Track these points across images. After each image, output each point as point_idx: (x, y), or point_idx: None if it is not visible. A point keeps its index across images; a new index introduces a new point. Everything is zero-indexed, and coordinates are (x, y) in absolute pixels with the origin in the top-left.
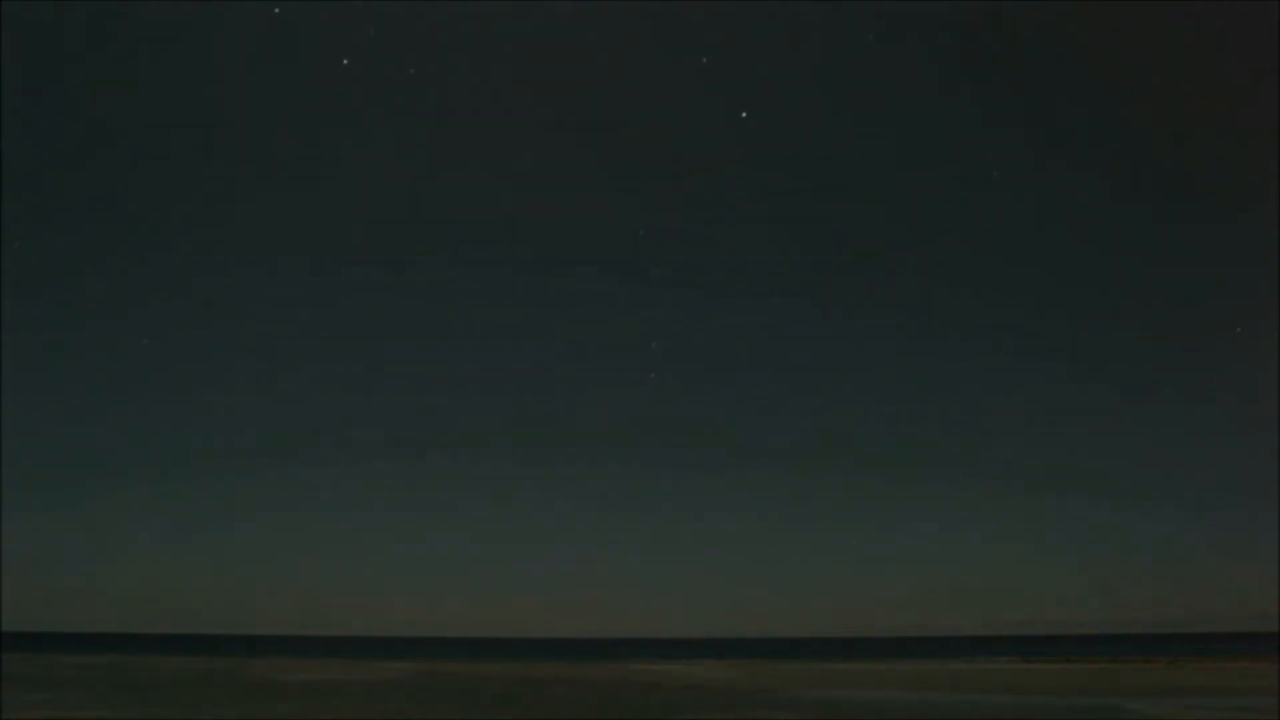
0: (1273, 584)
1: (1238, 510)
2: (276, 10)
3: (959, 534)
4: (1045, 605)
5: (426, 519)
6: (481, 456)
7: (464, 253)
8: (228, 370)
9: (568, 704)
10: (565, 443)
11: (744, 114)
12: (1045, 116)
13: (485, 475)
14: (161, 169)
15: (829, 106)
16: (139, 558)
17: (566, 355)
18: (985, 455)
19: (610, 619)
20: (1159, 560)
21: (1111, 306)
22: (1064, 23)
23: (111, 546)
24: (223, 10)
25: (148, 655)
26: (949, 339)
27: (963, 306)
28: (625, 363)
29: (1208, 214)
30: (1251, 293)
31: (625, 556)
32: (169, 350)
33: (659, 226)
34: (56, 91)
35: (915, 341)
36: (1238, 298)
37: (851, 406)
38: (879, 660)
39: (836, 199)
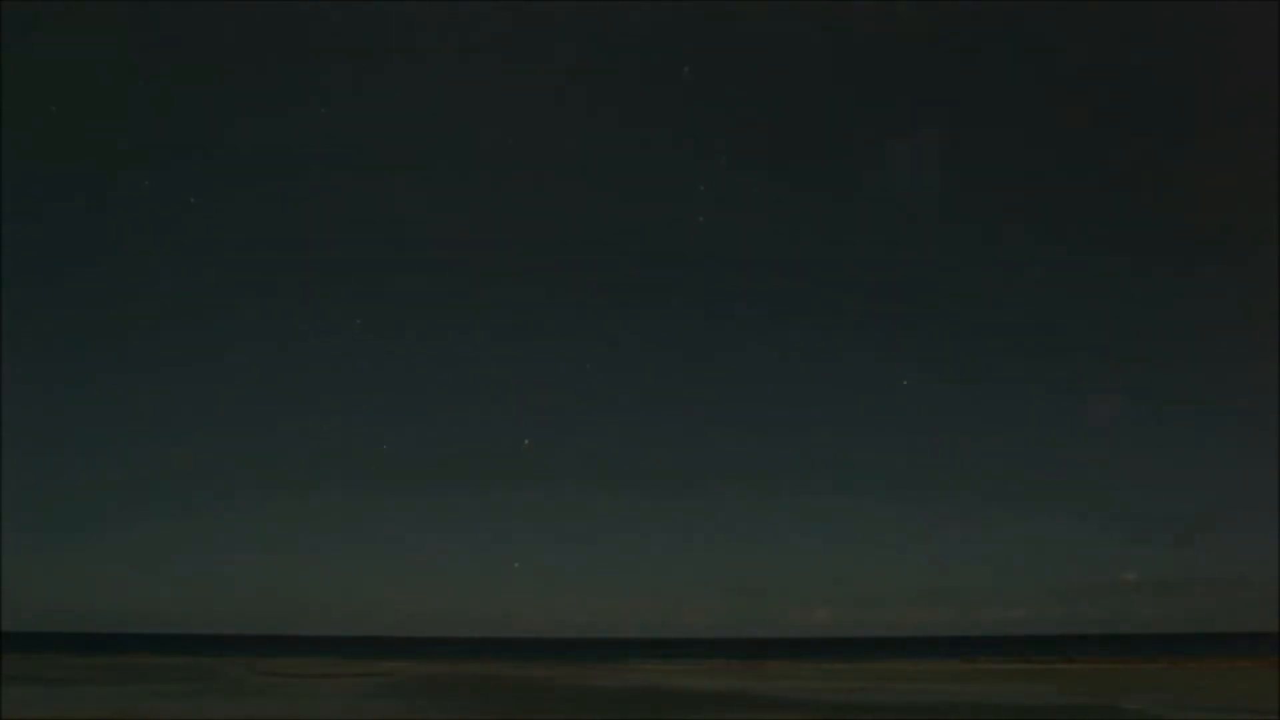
0: (1273, 584)
1: (1237, 509)
2: None
3: (959, 534)
4: (1045, 605)
5: (427, 519)
6: (481, 456)
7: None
8: (226, 376)
9: (567, 704)
10: (566, 443)
11: None
12: (1039, 119)
13: (486, 475)
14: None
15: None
16: (140, 558)
17: (570, 362)
18: (984, 463)
19: (610, 619)
20: (1158, 560)
21: (1105, 311)
22: (1059, 26)
23: (112, 546)
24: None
25: (148, 655)
26: (950, 356)
27: (952, 320)
28: (626, 361)
29: (1203, 224)
30: (1248, 293)
31: (625, 557)
32: (172, 355)
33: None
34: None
35: (917, 352)
36: (1235, 299)
37: (849, 415)
38: (878, 660)
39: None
